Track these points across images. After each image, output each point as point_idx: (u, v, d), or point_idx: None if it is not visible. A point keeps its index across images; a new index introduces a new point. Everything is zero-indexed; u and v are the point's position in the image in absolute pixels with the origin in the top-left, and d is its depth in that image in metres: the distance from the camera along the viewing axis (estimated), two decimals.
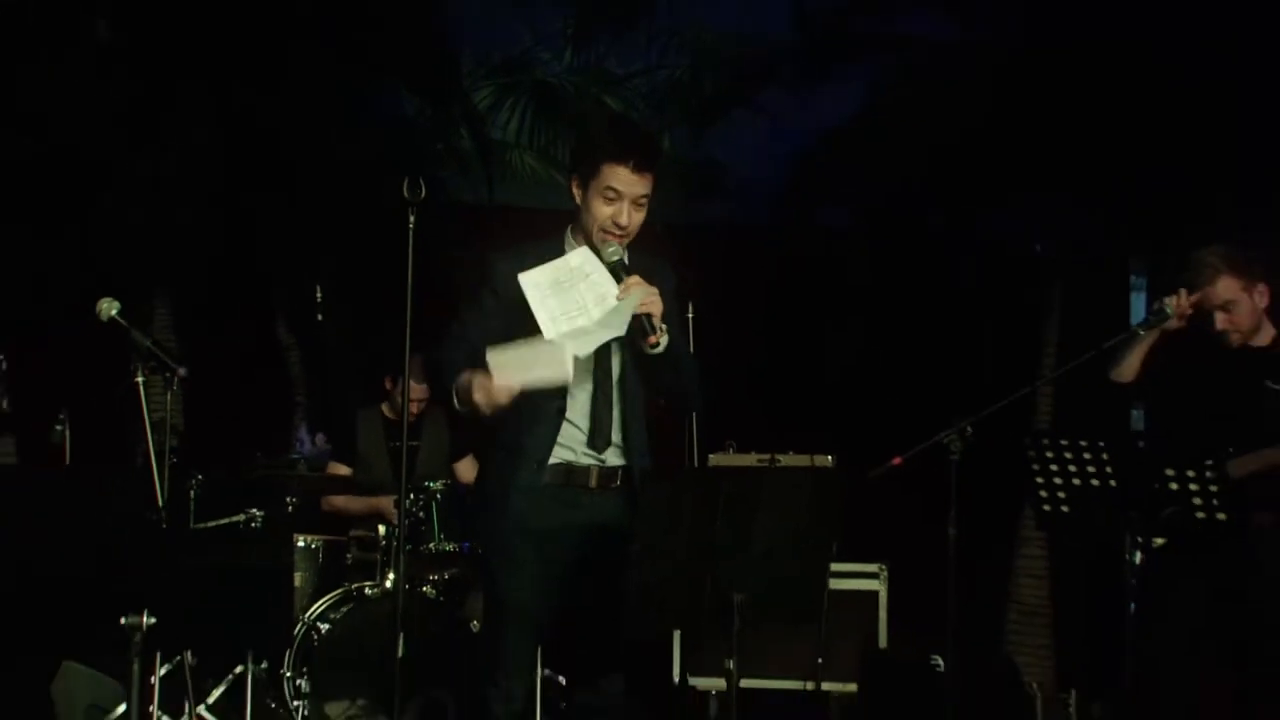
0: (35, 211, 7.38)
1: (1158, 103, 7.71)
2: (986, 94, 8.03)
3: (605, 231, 4.31)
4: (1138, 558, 5.06)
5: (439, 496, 6.55)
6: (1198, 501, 4.88)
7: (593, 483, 4.41)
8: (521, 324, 4.21)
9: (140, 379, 5.76)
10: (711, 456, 7.56)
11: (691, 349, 4.63)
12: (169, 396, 6.01)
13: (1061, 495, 5.12)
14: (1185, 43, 7.60)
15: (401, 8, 8.12)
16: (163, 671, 6.29)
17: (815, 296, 8.42)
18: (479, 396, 4.12)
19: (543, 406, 4.32)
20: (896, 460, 5.76)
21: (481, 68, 9.77)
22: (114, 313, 5.33)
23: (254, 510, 6.73)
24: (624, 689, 4.74)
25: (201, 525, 6.67)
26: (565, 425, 4.40)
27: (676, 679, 7.55)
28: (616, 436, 4.45)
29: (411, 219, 4.10)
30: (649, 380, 4.44)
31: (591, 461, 4.42)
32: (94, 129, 7.46)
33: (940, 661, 6.76)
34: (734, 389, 6.86)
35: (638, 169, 4.31)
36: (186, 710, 6.41)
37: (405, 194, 4.07)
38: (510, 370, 4.07)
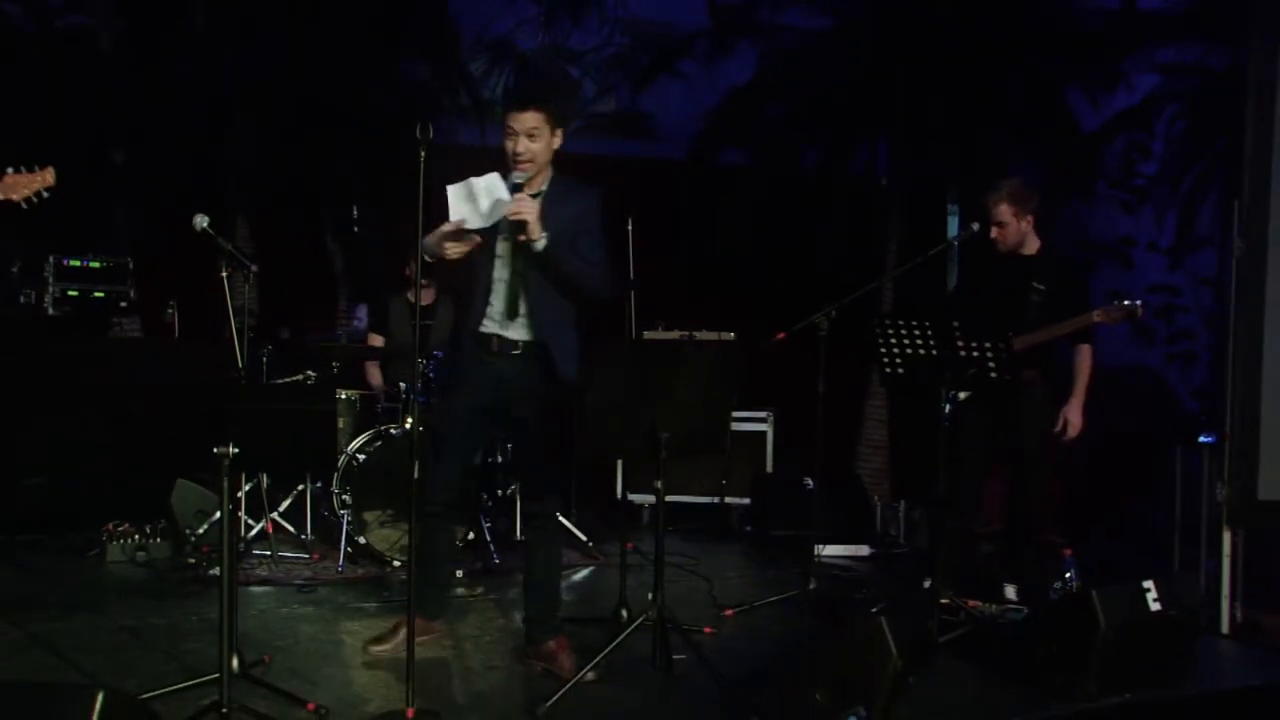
0: (151, 156, 7.26)
1: (969, 77, 7.74)
2: (845, 68, 8.01)
3: (511, 162, 4.36)
4: (947, 408, 5.16)
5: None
6: (991, 365, 4.95)
7: (494, 347, 4.45)
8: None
9: (225, 275, 5.69)
10: (646, 332, 7.57)
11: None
12: (246, 288, 5.95)
13: (898, 361, 5.16)
14: (987, 31, 7.64)
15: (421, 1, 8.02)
16: (246, 488, 6.30)
17: (721, 215, 8.38)
18: (433, 240, 4.27)
19: (476, 292, 4.44)
20: (781, 335, 5.80)
21: (477, 44, 9.63)
22: (205, 225, 5.23)
23: (309, 371, 6.67)
24: (558, 505, 4.80)
25: (271, 381, 6.62)
26: (489, 305, 4.45)
27: (619, 495, 7.62)
28: (524, 314, 4.44)
29: (422, 155, 4.02)
30: (545, 274, 4.41)
31: (497, 332, 4.45)
32: (192, 99, 7.35)
33: (810, 481, 6.85)
34: (662, 283, 6.83)
35: (520, 108, 4.36)
36: (263, 516, 6.43)
37: (418, 136, 3.99)
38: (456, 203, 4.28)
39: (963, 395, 5.46)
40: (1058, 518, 5.75)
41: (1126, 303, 5.18)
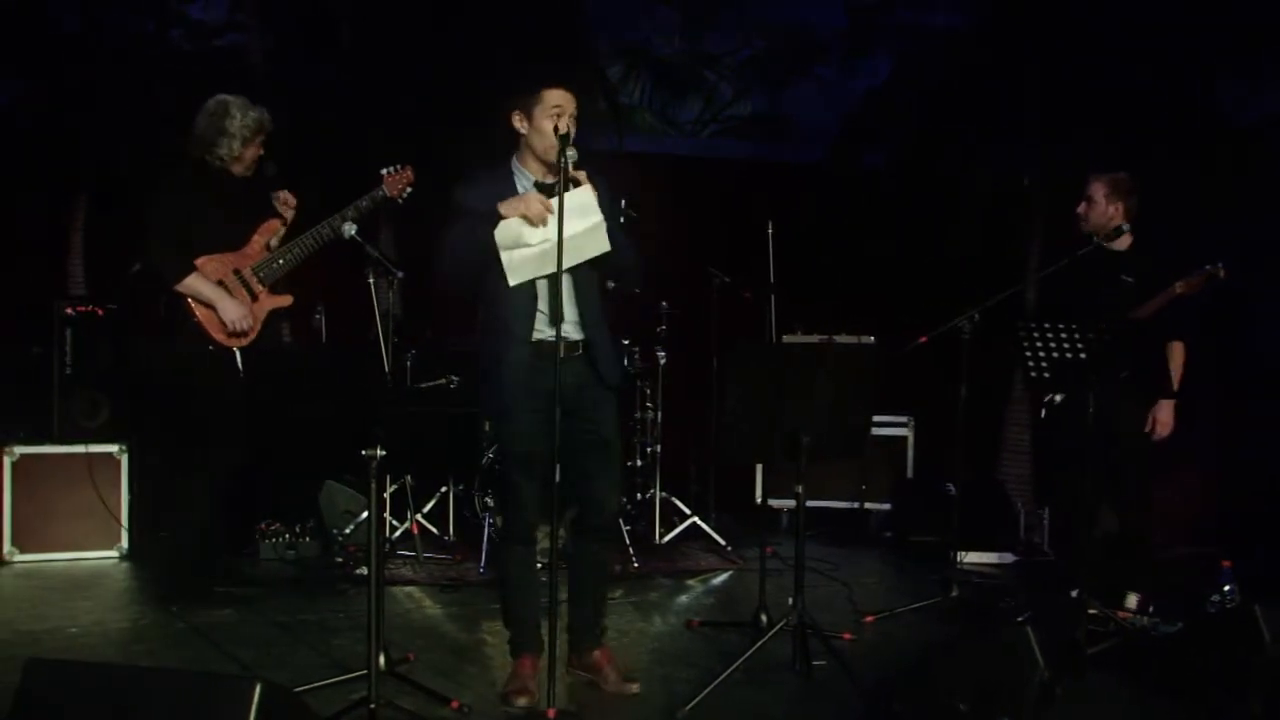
0: (298, 166, 7.49)
1: (1113, 74, 7.53)
2: (984, 65, 7.85)
3: (561, 140, 4.09)
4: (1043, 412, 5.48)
5: None
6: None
7: (562, 353, 4.15)
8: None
9: (371, 281, 5.80)
10: (785, 337, 7.52)
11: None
12: (391, 294, 6.08)
13: (1044, 365, 5.07)
14: (1131, 26, 7.42)
15: (557, 8, 8.08)
16: (392, 489, 6.45)
17: (860, 217, 8.29)
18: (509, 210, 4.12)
19: (520, 298, 4.19)
20: (922, 339, 5.73)
21: (614, 50, 9.69)
22: (353, 233, 5.36)
23: (452, 375, 6.77)
24: (617, 510, 4.55)
25: (415, 386, 6.75)
26: (537, 312, 4.23)
27: (759, 500, 7.59)
28: (572, 314, 4.21)
29: (563, 162, 4.07)
30: (595, 262, 4.23)
31: (548, 336, 4.20)
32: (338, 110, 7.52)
33: (952, 487, 6.73)
34: (801, 286, 6.76)
35: (569, 86, 4.19)
36: (408, 516, 6.57)
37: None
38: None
39: (1058, 398, 5.50)
40: (1204, 524, 5.53)
41: (1207, 267, 5.18)
